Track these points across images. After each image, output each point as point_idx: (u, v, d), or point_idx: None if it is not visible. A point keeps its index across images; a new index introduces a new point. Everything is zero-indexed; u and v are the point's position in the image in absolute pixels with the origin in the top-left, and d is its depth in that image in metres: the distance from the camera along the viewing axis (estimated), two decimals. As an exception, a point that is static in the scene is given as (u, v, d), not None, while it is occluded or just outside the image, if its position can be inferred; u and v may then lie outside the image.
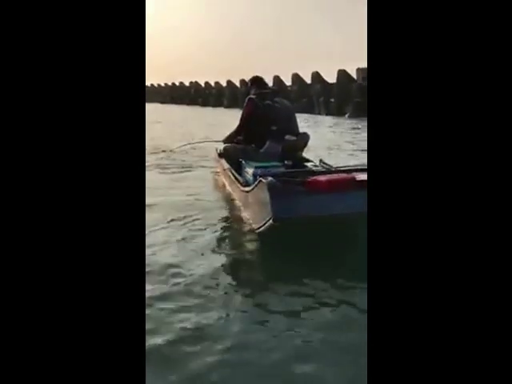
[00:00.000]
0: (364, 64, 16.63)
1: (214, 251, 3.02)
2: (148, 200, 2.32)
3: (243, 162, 4.18)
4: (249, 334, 1.98)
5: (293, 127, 4.38)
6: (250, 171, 3.84)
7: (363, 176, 2.84)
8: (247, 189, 3.53)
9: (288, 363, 1.75)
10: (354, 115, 15.88)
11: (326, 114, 17.85)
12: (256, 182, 3.24)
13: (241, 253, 3.08)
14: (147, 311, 2.04)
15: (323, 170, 3.55)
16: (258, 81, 4.61)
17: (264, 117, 4.24)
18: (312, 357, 1.80)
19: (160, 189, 4.72)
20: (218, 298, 2.31)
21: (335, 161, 4.61)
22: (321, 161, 4.15)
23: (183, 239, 3.23)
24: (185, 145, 7.24)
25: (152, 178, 5.20)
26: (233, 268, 2.80)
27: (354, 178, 2.89)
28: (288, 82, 21.88)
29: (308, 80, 21.08)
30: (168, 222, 3.60)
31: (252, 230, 3.25)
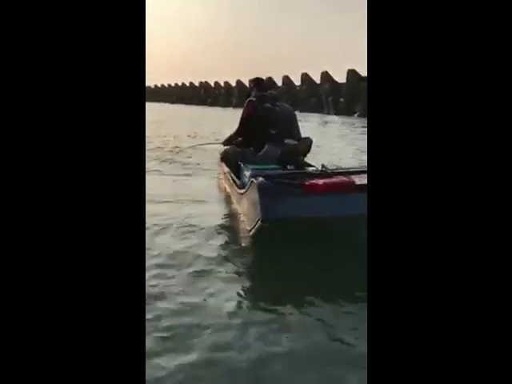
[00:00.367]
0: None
1: (202, 257, 2.87)
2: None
3: (242, 164, 4.15)
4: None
5: (294, 131, 4.31)
6: (247, 174, 3.81)
7: (362, 179, 2.79)
8: (242, 191, 3.50)
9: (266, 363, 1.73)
10: (364, 114, 15.80)
11: (335, 114, 17.79)
12: (249, 183, 3.21)
13: (233, 255, 2.98)
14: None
15: (321, 172, 3.49)
16: (259, 83, 4.56)
17: (263, 119, 4.19)
18: (302, 358, 1.78)
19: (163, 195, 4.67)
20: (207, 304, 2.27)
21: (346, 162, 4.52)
22: (322, 166, 4.10)
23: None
24: (194, 146, 7.51)
25: (152, 180, 5.17)
26: (221, 272, 2.68)
27: (352, 181, 2.86)
28: (297, 81, 21.89)
29: (317, 80, 21.05)
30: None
31: (246, 232, 3.19)
